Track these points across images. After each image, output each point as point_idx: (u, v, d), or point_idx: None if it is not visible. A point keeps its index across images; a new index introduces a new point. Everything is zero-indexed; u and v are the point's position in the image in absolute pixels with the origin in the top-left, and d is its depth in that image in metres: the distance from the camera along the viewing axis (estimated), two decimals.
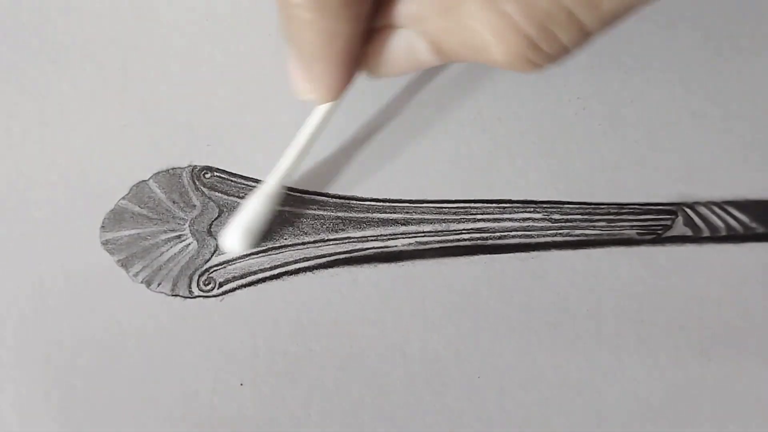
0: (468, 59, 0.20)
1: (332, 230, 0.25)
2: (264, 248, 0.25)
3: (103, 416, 0.23)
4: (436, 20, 0.20)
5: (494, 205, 0.26)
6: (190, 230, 0.25)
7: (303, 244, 0.25)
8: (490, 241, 0.26)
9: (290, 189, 0.26)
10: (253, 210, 0.24)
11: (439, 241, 0.25)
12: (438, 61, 0.21)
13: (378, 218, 0.26)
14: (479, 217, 0.26)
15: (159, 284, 0.24)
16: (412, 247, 0.25)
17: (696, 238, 0.26)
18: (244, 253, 0.25)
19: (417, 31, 0.20)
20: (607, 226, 0.26)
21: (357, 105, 0.27)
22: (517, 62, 0.19)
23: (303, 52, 0.21)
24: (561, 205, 0.26)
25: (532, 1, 0.18)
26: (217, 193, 0.26)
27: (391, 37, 0.21)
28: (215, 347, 0.24)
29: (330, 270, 0.25)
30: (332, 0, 0.19)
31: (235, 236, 0.24)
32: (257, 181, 0.26)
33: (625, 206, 0.26)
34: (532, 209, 0.26)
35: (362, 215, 0.26)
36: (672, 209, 0.26)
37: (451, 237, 0.25)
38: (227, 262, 0.25)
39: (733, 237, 0.26)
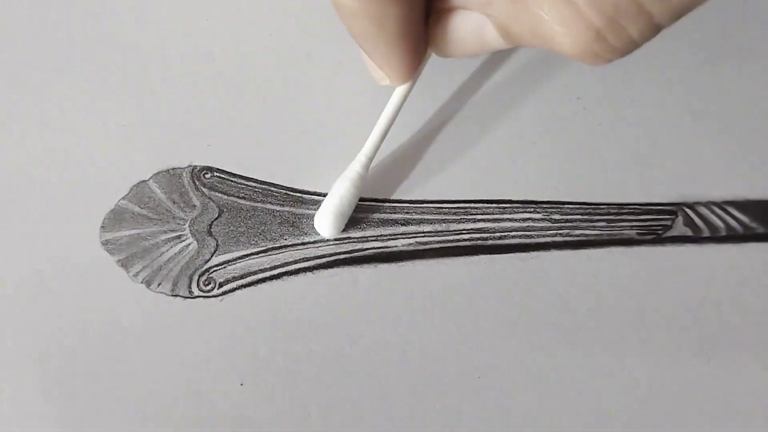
0: (535, 46, 0.20)
1: None
2: (264, 248, 0.25)
3: (103, 416, 0.23)
4: (503, 5, 0.19)
5: (494, 205, 0.26)
6: (190, 230, 0.25)
7: (303, 244, 0.25)
8: (490, 242, 0.26)
9: (291, 190, 0.26)
10: (342, 194, 0.24)
11: (439, 242, 0.25)
12: (506, 45, 0.21)
13: (378, 218, 0.26)
14: (479, 217, 0.26)
15: (159, 284, 0.24)
16: (412, 248, 0.25)
17: (696, 238, 0.26)
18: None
19: (485, 15, 0.20)
20: (607, 226, 0.26)
21: (357, 105, 0.27)
22: (583, 54, 0.19)
23: (361, 40, 0.21)
24: (561, 205, 0.26)
25: None
26: (217, 194, 0.26)
27: (459, 17, 0.21)
28: (215, 347, 0.24)
29: (330, 270, 0.25)
30: None
31: (327, 220, 0.24)
32: (257, 181, 0.26)
33: (625, 206, 0.26)
34: (532, 209, 0.26)
35: (362, 215, 0.26)
36: (672, 209, 0.26)
37: (451, 237, 0.25)
38: (227, 262, 0.25)
39: (733, 237, 0.26)
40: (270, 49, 0.27)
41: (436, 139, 0.27)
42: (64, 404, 0.23)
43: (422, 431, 0.24)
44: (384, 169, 0.26)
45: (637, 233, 0.26)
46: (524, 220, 0.26)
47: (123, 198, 0.25)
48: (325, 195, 0.25)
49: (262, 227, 0.25)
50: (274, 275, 0.25)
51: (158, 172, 0.26)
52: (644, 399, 0.24)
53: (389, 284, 0.25)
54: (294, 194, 0.26)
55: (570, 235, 0.26)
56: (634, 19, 0.18)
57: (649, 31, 0.19)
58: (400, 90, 0.24)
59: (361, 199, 0.26)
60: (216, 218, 0.25)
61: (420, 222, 0.26)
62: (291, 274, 0.25)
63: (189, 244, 0.25)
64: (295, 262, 0.25)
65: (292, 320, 0.24)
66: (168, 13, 0.28)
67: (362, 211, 0.26)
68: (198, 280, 0.25)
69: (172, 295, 0.24)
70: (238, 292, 0.24)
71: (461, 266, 0.25)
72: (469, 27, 0.21)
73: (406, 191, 0.26)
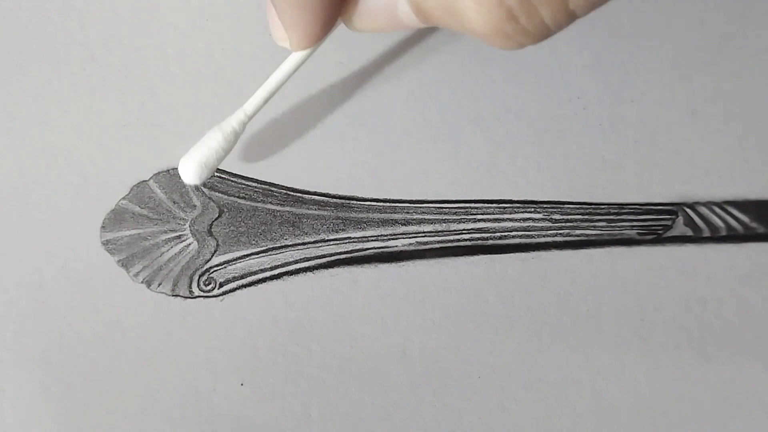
0: (447, 25, 0.19)
1: (332, 230, 0.25)
2: (264, 248, 0.25)
3: (103, 416, 0.23)
4: None
5: (494, 205, 0.26)
6: (191, 230, 0.25)
7: (303, 244, 0.25)
8: (490, 242, 0.26)
9: (291, 190, 0.26)
10: (211, 145, 0.24)
11: (439, 241, 0.25)
12: (418, 23, 0.20)
13: (378, 218, 0.26)
14: (479, 217, 0.26)
15: (159, 284, 0.24)
16: (412, 248, 0.25)
17: (696, 238, 0.26)
18: (244, 254, 0.25)
19: None
20: (608, 226, 0.26)
21: (357, 105, 0.27)
22: (494, 34, 0.18)
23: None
24: (561, 205, 0.26)
25: None
26: (217, 194, 0.26)
27: None
28: (216, 347, 0.24)
29: (330, 270, 0.25)
30: None
31: (191, 167, 0.23)
32: (257, 181, 0.26)
33: (625, 206, 0.26)
34: (532, 209, 0.26)
35: (362, 215, 0.26)
36: (672, 209, 0.26)
37: (451, 237, 0.25)
38: (227, 262, 0.25)
39: (733, 237, 0.26)
40: (270, 49, 0.27)
41: (436, 139, 0.27)
42: (65, 404, 0.23)
43: (422, 431, 0.24)
44: (384, 169, 0.26)
45: (638, 233, 0.26)
46: (524, 220, 0.26)
47: (123, 198, 0.25)
48: (325, 195, 0.26)
49: (263, 227, 0.25)
50: (274, 275, 0.25)
51: (158, 173, 0.26)
52: (644, 399, 0.24)
53: (389, 284, 0.25)
54: (294, 194, 0.26)
55: (570, 235, 0.26)
56: (548, 2, 0.17)
57: (563, 17, 0.18)
58: (295, 56, 0.23)
59: (361, 199, 0.26)
60: (216, 218, 0.25)
61: (420, 222, 0.26)
62: (291, 274, 0.25)
63: (189, 244, 0.25)
64: (296, 262, 0.25)
65: (292, 320, 0.24)
66: (168, 13, 0.28)
67: (362, 211, 0.26)
68: (198, 280, 0.25)
69: (173, 295, 0.24)
70: (238, 292, 0.24)
71: (461, 266, 0.25)
72: (382, 1, 0.20)
73: (406, 191, 0.26)
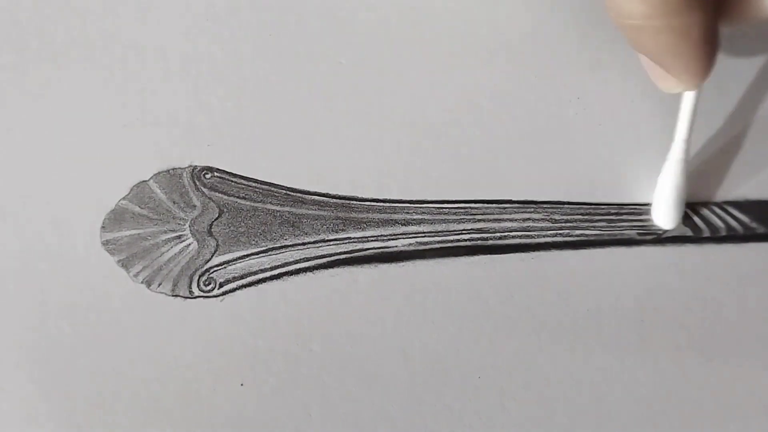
0: None
1: (332, 230, 0.25)
2: (264, 248, 0.25)
3: (103, 416, 0.23)
4: None
5: (494, 205, 0.26)
6: (191, 230, 0.25)
7: (303, 244, 0.25)
8: (490, 242, 0.26)
9: (291, 190, 0.26)
10: (670, 185, 0.25)
11: (439, 242, 0.25)
12: None
13: (378, 218, 0.26)
14: (479, 217, 0.26)
15: (159, 284, 0.24)
16: (412, 248, 0.25)
17: (696, 238, 0.26)
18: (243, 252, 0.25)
19: None
20: (608, 226, 0.26)
21: (357, 105, 0.27)
22: None
23: (659, 56, 0.21)
24: (561, 205, 0.26)
25: None
26: (217, 194, 0.26)
27: None
28: (215, 347, 0.24)
29: (330, 270, 0.25)
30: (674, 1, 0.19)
31: (666, 212, 0.25)
32: (258, 181, 0.26)
33: (625, 206, 0.26)
34: (532, 209, 0.26)
35: (363, 215, 0.26)
36: None
37: (451, 237, 0.25)
38: (227, 262, 0.25)
39: (733, 237, 0.26)
40: (270, 49, 0.27)
41: (436, 139, 0.27)
42: (64, 404, 0.23)
43: (422, 431, 0.24)
44: (384, 169, 0.26)
45: (638, 233, 0.26)
46: (524, 220, 0.26)
47: (123, 198, 0.25)
48: (325, 195, 0.26)
49: (263, 227, 0.25)
50: (274, 275, 0.25)
51: (158, 173, 0.26)
52: (644, 399, 0.24)
53: (389, 284, 0.25)
54: (294, 194, 0.26)
55: (570, 235, 0.26)
56: None
57: None
58: (691, 94, 0.24)
59: (361, 199, 0.26)
60: (216, 218, 0.25)
61: (420, 222, 0.26)
62: (291, 274, 0.25)
63: (189, 245, 0.25)
64: (296, 262, 0.25)
65: (292, 320, 0.24)
66: (168, 13, 0.28)
67: (362, 211, 0.26)
68: (198, 280, 0.25)
69: (173, 296, 0.24)
70: (238, 292, 0.25)
71: (461, 266, 0.25)
72: None
73: (406, 191, 0.26)
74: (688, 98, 0.24)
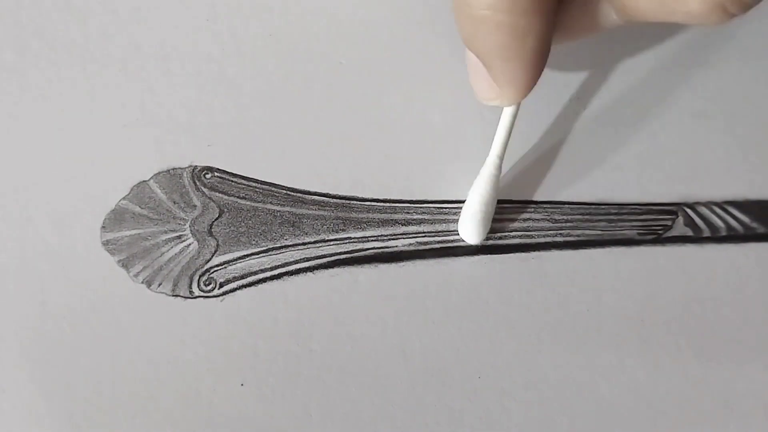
0: (656, 16, 0.19)
1: (333, 230, 0.25)
2: (264, 248, 0.25)
3: (103, 416, 0.23)
4: None
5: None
6: (191, 230, 0.25)
7: (303, 244, 0.25)
8: (490, 242, 0.26)
9: (291, 190, 0.26)
10: (479, 200, 0.24)
11: (439, 242, 0.25)
12: (621, 23, 0.20)
13: (378, 218, 0.26)
14: None
15: (159, 284, 0.24)
16: (412, 248, 0.25)
17: (696, 239, 0.26)
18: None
19: None
20: (608, 226, 0.26)
21: (357, 105, 0.27)
22: (713, 11, 0.18)
23: (491, 56, 0.20)
24: (561, 206, 0.26)
25: None
26: (217, 194, 0.26)
27: (576, 1, 0.20)
28: (216, 347, 0.24)
29: (330, 270, 0.25)
30: None
31: (473, 226, 0.25)
32: (258, 181, 0.26)
33: (625, 206, 0.26)
34: (532, 210, 0.26)
35: (363, 215, 0.26)
36: (672, 209, 0.26)
37: (451, 237, 0.25)
38: (228, 262, 0.25)
39: (733, 237, 0.26)
40: (270, 49, 0.27)
41: (436, 139, 0.27)
42: (64, 404, 0.23)
43: (422, 431, 0.24)
44: (384, 169, 0.26)
45: (638, 233, 0.26)
46: (525, 220, 0.26)
47: (123, 198, 0.25)
48: (325, 195, 0.26)
49: (263, 227, 0.25)
50: (274, 275, 0.25)
51: (159, 173, 0.26)
52: (644, 399, 0.24)
53: (389, 284, 0.25)
54: (295, 194, 0.26)
55: (570, 235, 0.26)
56: None
57: None
58: (510, 109, 0.23)
59: (361, 199, 0.26)
60: (216, 218, 0.25)
61: (420, 222, 0.26)
62: (291, 274, 0.25)
63: (189, 245, 0.25)
64: (296, 262, 0.25)
65: (292, 320, 0.24)
66: (168, 13, 0.28)
67: (362, 211, 0.26)
68: (198, 280, 0.25)
69: (173, 296, 0.24)
70: (238, 292, 0.25)
71: (461, 266, 0.25)
72: (582, 8, 0.20)
73: (407, 191, 0.26)
74: (507, 114, 0.23)
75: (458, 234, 0.25)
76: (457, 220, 0.26)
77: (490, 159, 0.24)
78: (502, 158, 0.24)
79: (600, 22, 0.20)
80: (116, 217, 0.25)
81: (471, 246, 0.25)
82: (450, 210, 0.26)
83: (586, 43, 0.27)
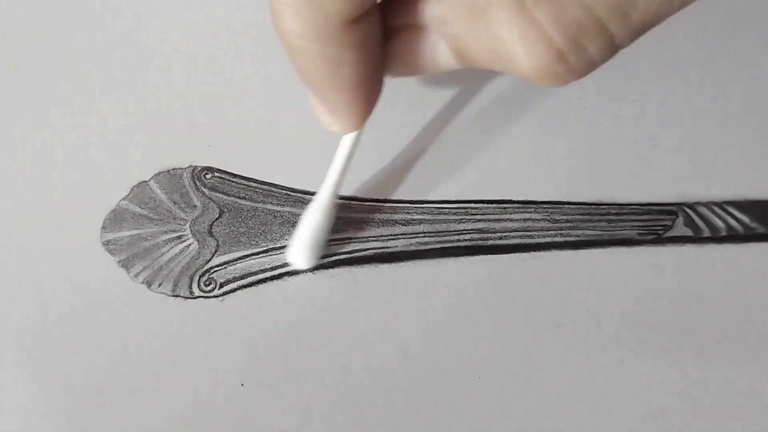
0: (490, 67, 0.19)
1: (333, 231, 0.25)
2: (264, 248, 0.25)
3: (103, 416, 0.23)
4: (461, 23, 0.19)
5: (494, 205, 0.26)
6: (191, 231, 0.25)
7: None
8: (490, 242, 0.26)
9: (291, 190, 0.26)
10: (311, 225, 0.24)
11: (439, 242, 0.25)
12: (459, 66, 0.20)
13: (379, 219, 0.26)
14: (479, 217, 0.26)
15: (160, 285, 0.24)
16: (412, 248, 0.25)
17: (696, 239, 0.26)
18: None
19: (440, 34, 0.19)
20: (608, 226, 0.26)
21: None
22: (543, 75, 0.18)
23: (313, 83, 0.20)
24: (561, 206, 0.26)
25: (564, 9, 0.17)
26: (217, 194, 0.26)
27: (412, 37, 0.20)
28: (216, 347, 0.24)
29: (330, 270, 0.25)
30: (331, 26, 0.18)
31: (301, 251, 0.24)
32: (258, 181, 0.26)
33: (625, 206, 0.26)
34: (532, 209, 0.26)
35: (363, 216, 0.26)
36: (672, 209, 0.26)
37: (451, 237, 0.25)
38: (228, 262, 0.25)
39: (733, 237, 0.26)
40: (270, 49, 0.27)
41: (436, 139, 0.27)
42: (65, 404, 0.23)
43: (422, 431, 0.24)
44: (384, 169, 0.26)
45: (638, 233, 0.26)
46: (524, 220, 0.26)
47: (124, 198, 0.25)
48: None
49: (263, 227, 0.25)
50: (274, 275, 0.25)
51: (159, 173, 0.26)
52: (644, 399, 0.24)
53: (389, 284, 0.25)
54: (294, 194, 0.26)
55: (570, 235, 0.26)
56: (596, 39, 0.18)
57: (609, 51, 0.18)
58: (349, 137, 0.23)
59: (362, 200, 0.26)
60: (217, 218, 0.25)
61: (420, 222, 0.26)
62: (291, 275, 0.25)
63: (190, 245, 0.25)
64: None
65: (292, 320, 0.24)
66: (168, 13, 0.28)
67: (362, 211, 0.26)
68: (199, 281, 0.25)
69: (173, 296, 0.24)
70: (238, 292, 0.25)
71: (461, 266, 0.25)
72: (422, 47, 0.20)
73: (406, 191, 0.26)
74: (344, 142, 0.23)
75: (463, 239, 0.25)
76: (457, 220, 0.26)
77: (324, 186, 0.24)
78: (337, 186, 0.24)
79: (439, 63, 0.20)
80: (116, 218, 0.25)
81: (471, 246, 0.25)
82: (450, 210, 0.26)
83: None
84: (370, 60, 0.20)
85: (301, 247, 0.24)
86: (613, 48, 0.18)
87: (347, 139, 0.23)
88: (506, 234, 0.26)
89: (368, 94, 0.20)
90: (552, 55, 0.18)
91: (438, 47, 0.20)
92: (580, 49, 0.18)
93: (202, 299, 0.24)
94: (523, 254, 0.25)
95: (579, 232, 0.26)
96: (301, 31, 0.18)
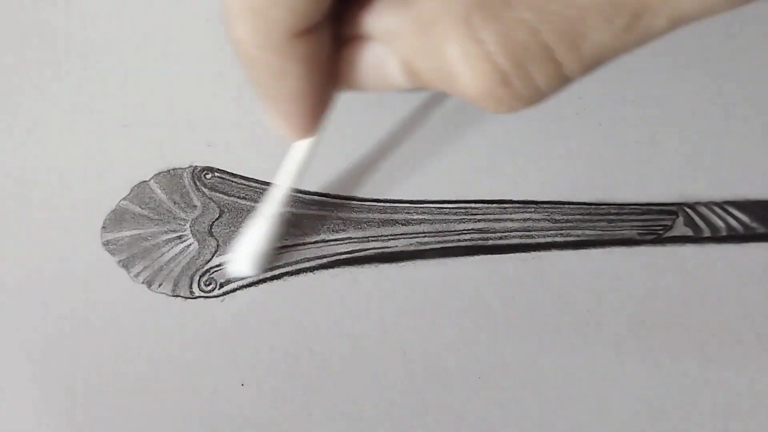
0: (437, 87, 0.19)
1: (333, 231, 0.25)
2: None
3: (104, 416, 0.23)
4: (409, 38, 0.18)
5: (494, 205, 0.26)
6: (191, 231, 0.25)
7: (304, 244, 0.25)
8: (490, 242, 0.26)
9: (291, 190, 0.26)
10: (257, 235, 0.24)
11: (439, 242, 0.25)
12: (409, 84, 0.19)
13: (379, 219, 0.26)
14: (479, 217, 0.26)
15: (160, 285, 0.24)
16: (412, 248, 0.25)
17: (697, 239, 0.26)
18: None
19: (390, 48, 0.19)
20: (608, 226, 0.26)
21: (356, 105, 0.27)
22: (487, 98, 0.18)
23: (261, 90, 0.20)
24: (561, 206, 0.26)
25: (510, 32, 0.17)
26: (218, 194, 0.26)
27: (361, 49, 0.19)
28: (216, 348, 0.24)
29: (331, 270, 0.25)
30: (275, 38, 0.18)
31: (244, 260, 0.24)
32: (258, 181, 0.26)
33: (625, 206, 0.26)
34: (532, 209, 0.26)
35: (363, 216, 0.26)
36: (672, 209, 0.26)
37: (451, 237, 0.25)
38: (228, 262, 0.25)
39: (733, 237, 0.26)
40: None
41: (436, 139, 0.27)
42: (65, 404, 0.23)
43: (422, 431, 0.24)
44: (384, 169, 0.26)
45: (638, 233, 0.26)
46: (525, 220, 0.26)
47: (124, 198, 0.25)
48: (325, 195, 0.26)
49: None
50: (274, 275, 0.25)
51: (159, 173, 0.26)
52: (644, 399, 0.24)
53: (389, 284, 0.25)
54: (295, 194, 0.26)
55: (570, 235, 0.26)
56: (543, 67, 0.17)
57: (557, 82, 0.18)
58: (300, 145, 0.22)
59: (361, 199, 0.26)
60: (217, 218, 0.25)
61: (420, 222, 0.26)
62: (291, 275, 0.25)
63: (190, 245, 0.25)
64: (296, 262, 0.25)
65: (292, 320, 0.24)
66: (169, 13, 0.28)
67: (362, 211, 0.26)
68: (199, 281, 0.25)
69: (173, 296, 0.24)
70: (238, 292, 0.25)
71: (462, 266, 0.25)
72: (371, 61, 0.19)
73: (406, 191, 0.26)
74: (296, 148, 0.23)
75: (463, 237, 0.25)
76: (457, 220, 0.26)
77: (273, 192, 0.24)
78: (284, 194, 0.24)
79: (390, 80, 0.19)
80: (117, 218, 0.25)
81: (471, 246, 0.25)
82: (450, 210, 0.26)
83: None
84: (315, 74, 0.19)
85: (245, 255, 0.24)
86: (560, 78, 0.18)
87: (297, 146, 0.23)
88: (506, 234, 0.26)
89: (313, 105, 0.20)
90: (495, 78, 0.17)
91: (389, 63, 0.19)
92: (525, 75, 0.17)
93: (202, 299, 0.24)
94: (523, 254, 0.26)
95: (579, 232, 0.26)
96: (248, 39, 0.18)
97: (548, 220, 0.26)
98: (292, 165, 0.23)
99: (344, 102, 0.27)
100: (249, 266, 0.24)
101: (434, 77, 0.18)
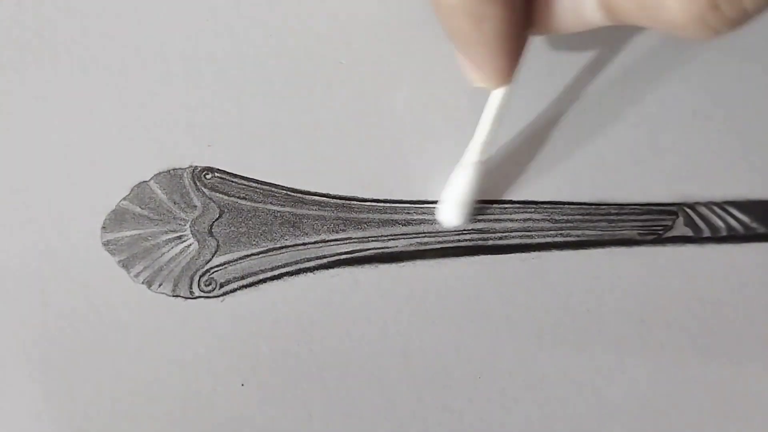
0: (638, 21, 0.19)
1: (333, 231, 0.25)
2: (265, 248, 0.25)
3: (103, 416, 0.23)
4: None
5: (495, 205, 0.26)
6: (191, 231, 0.25)
7: (304, 244, 0.25)
8: (490, 242, 0.26)
9: (291, 190, 0.26)
10: (459, 185, 0.25)
11: (439, 242, 0.25)
12: (606, 21, 0.20)
13: (378, 219, 0.26)
14: (480, 217, 0.26)
15: (160, 285, 0.24)
16: (412, 248, 0.25)
17: (697, 239, 0.26)
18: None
19: None
20: (608, 227, 0.26)
21: (356, 105, 0.27)
22: (694, 25, 0.18)
23: (458, 39, 0.20)
24: (561, 206, 0.26)
25: None
26: (218, 194, 0.26)
27: None
28: (216, 348, 0.24)
29: (331, 270, 0.25)
30: None
31: (450, 210, 0.25)
32: (258, 181, 0.26)
33: (625, 206, 0.26)
34: (532, 209, 0.26)
35: (363, 216, 0.26)
36: (672, 209, 0.26)
37: (451, 237, 0.26)
38: (228, 262, 0.25)
39: (733, 237, 0.26)
40: (270, 49, 0.27)
41: (436, 139, 0.27)
42: (65, 404, 0.23)
43: (422, 431, 0.24)
44: (384, 169, 0.26)
45: (638, 233, 0.26)
46: (524, 220, 0.26)
47: (124, 199, 0.25)
48: (325, 195, 0.26)
49: (263, 228, 0.25)
50: (274, 276, 0.25)
51: (159, 173, 0.26)
52: (644, 399, 0.24)
53: (389, 284, 0.25)
54: (295, 194, 0.26)
55: (570, 235, 0.26)
56: None
57: (764, 1, 0.18)
58: (498, 92, 0.23)
59: (361, 199, 0.26)
60: (217, 219, 0.25)
61: (420, 222, 0.26)
62: (292, 275, 0.25)
63: (190, 245, 0.25)
64: (296, 262, 0.25)
65: (292, 320, 0.24)
66: (168, 13, 0.28)
67: (362, 212, 0.26)
68: (199, 281, 0.25)
69: (173, 296, 0.24)
70: (239, 292, 0.25)
71: (461, 266, 0.25)
72: (568, 3, 0.20)
73: (407, 191, 0.26)
74: (494, 98, 0.23)
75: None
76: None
77: (473, 144, 0.24)
78: (486, 145, 0.24)
79: (586, 18, 0.20)
80: (117, 218, 0.25)
81: (471, 246, 0.25)
82: None
83: (586, 43, 0.27)
84: (512, 15, 0.20)
85: (451, 205, 0.25)
86: None
87: (494, 96, 0.23)
88: (506, 234, 0.26)
89: (511, 49, 0.20)
90: (705, 3, 0.17)
91: (586, 2, 0.20)
92: None
93: (202, 299, 0.24)
94: (523, 254, 0.26)
95: (579, 232, 0.26)
96: None
97: (548, 220, 0.26)
98: (491, 114, 0.23)
99: (344, 102, 0.27)
100: (456, 216, 0.25)
101: (637, 9, 0.19)
